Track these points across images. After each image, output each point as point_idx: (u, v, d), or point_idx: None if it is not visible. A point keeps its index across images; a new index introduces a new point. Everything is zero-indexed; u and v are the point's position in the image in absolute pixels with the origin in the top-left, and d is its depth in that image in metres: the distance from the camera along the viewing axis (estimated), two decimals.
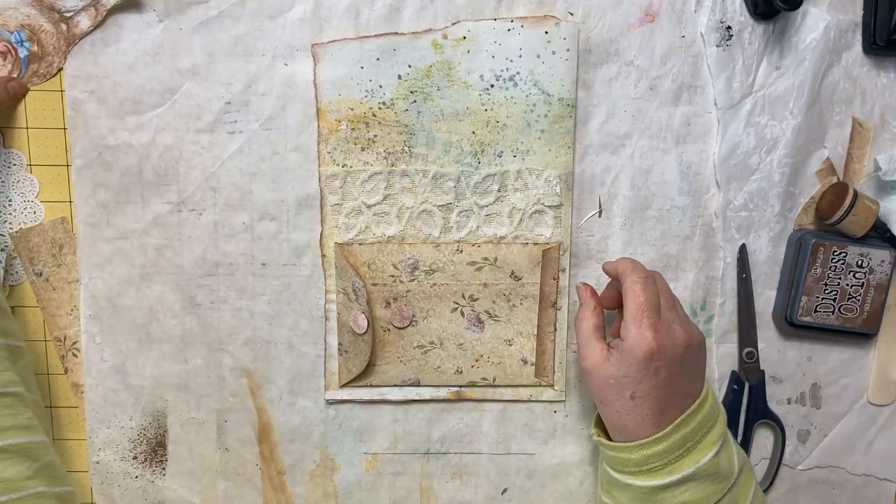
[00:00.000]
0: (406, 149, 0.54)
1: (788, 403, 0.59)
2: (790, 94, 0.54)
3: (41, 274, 0.56)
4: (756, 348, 0.58)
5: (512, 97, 0.53)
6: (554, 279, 0.56)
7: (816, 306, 0.56)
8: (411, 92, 0.53)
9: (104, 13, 0.52)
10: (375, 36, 0.53)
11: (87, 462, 0.58)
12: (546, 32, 0.52)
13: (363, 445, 0.59)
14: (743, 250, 0.57)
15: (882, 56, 0.55)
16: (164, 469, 0.58)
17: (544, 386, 0.58)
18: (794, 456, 0.60)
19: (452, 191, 0.55)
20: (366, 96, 0.53)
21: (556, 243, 0.56)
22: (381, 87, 0.53)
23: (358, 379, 0.57)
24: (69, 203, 0.55)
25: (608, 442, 0.49)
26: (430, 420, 0.58)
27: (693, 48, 0.54)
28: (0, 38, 0.52)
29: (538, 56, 0.53)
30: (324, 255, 0.56)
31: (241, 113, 0.54)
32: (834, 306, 0.56)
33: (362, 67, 0.53)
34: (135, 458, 0.58)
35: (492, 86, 0.53)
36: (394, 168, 0.54)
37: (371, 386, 0.57)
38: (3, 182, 0.55)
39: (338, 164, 0.54)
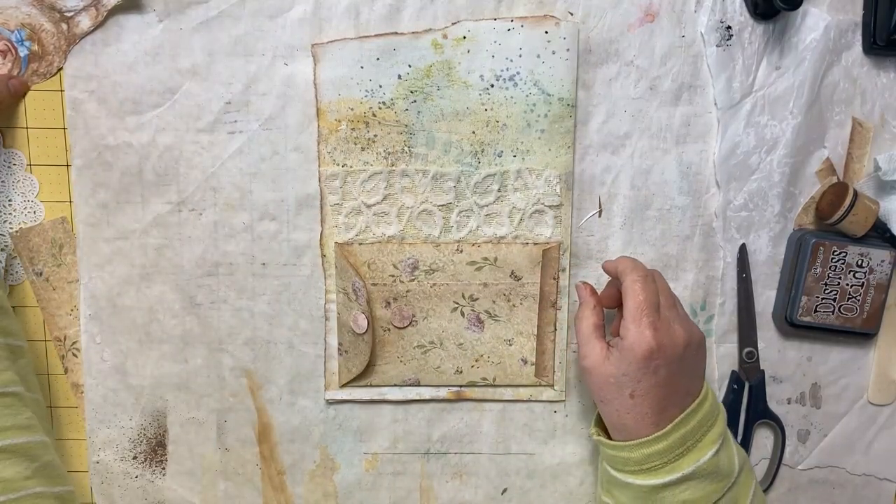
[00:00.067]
0: (406, 149, 0.54)
1: (788, 403, 0.59)
2: (790, 94, 0.54)
3: (41, 274, 0.56)
4: (756, 348, 0.58)
5: (512, 97, 0.53)
6: (554, 279, 0.56)
7: (816, 306, 0.56)
8: (411, 92, 0.53)
9: (105, 13, 0.52)
10: (375, 36, 0.53)
11: (87, 462, 0.58)
12: (546, 32, 0.52)
13: (363, 445, 0.59)
14: (743, 250, 0.57)
15: (882, 56, 0.55)
16: (164, 469, 0.58)
17: (544, 386, 0.58)
18: (794, 456, 0.60)
19: (452, 191, 0.55)
20: (366, 96, 0.53)
21: (556, 243, 0.56)
22: (381, 86, 0.53)
23: (358, 379, 0.57)
24: (69, 203, 0.55)
25: (608, 441, 0.49)
26: (430, 420, 0.58)
27: (693, 48, 0.54)
28: (0, 36, 0.52)
29: (538, 56, 0.53)
30: (324, 255, 0.56)
31: (241, 113, 0.54)
32: (834, 306, 0.56)
33: (362, 67, 0.53)
34: (135, 458, 0.58)
35: (492, 86, 0.53)
36: (394, 168, 0.54)
37: (371, 386, 0.57)
38: (3, 182, 0.55)
39: (338, 164, 0.54)
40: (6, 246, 0.55)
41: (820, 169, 0.56)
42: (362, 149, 0.54)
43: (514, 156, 0.54)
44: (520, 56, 0.53)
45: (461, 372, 0.57)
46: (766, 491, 0.60)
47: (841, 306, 0.56)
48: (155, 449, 0.58)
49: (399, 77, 0.53)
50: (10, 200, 0.55)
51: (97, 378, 0.57)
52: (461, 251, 0.55)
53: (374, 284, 0.56)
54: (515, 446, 0.59)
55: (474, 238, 0.56)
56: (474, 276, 0.56)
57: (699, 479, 0.46)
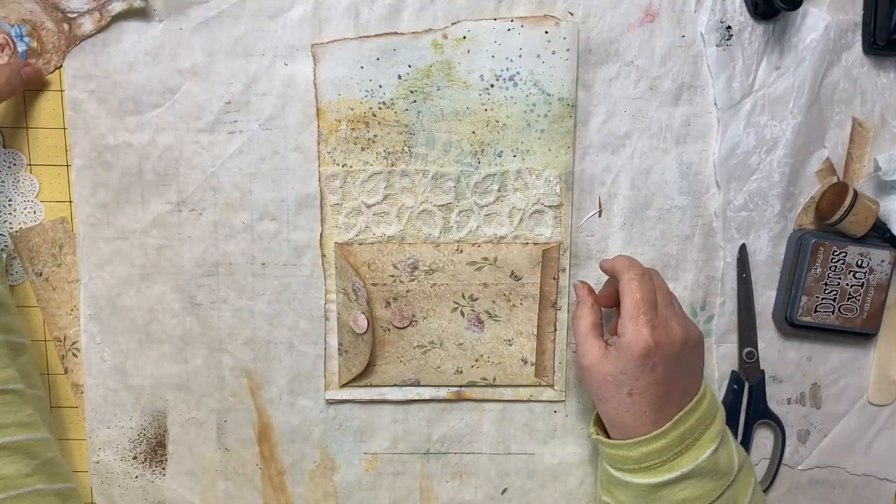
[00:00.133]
0: (406, 149, 0.54)
1: (788, 403, 0.59)
2: (790, 94, 0.54)
3: (41, 274, 0.56)
4: (756, 348, 0.58)
5: (512, 97, 0.53)
6: (554, 279, 0.56)
7: (816, 306, 0.56)
8: (411, 92, 0.53)
9: (109, 19, 0.52)
10: (375, 36, 0.53)
11: (87, 462, 0.58)
12: (546, 32, 0.52)
13: (363, 445, 0.59)
14: (743, 250, 0.57)
15: (882, 56, 0.55)
16: (164, 469, 0.58)
17: (544, 386, 0.58)
18: (794, 456, 0.60)
19: (452, 191, 0.55)
20: (366, 96, 0.53)
21: (556, 243, 0.56)
22: (381, 86, 0.53)
23: (358, 379, 0.57)
24: (69, 203, 0.55)
25: (607, 440, 0.49)
26: (430, 420, 0.58)
27: (693, 48, 0.54)
28: (0, 30, 0.52)
29: (538, 56, 0.53)
30: (324, 255, 0.56)
31: (241, 113, 0.54)
32: (834, 306, 0.56)
33: (362, 67, 0.53)
34: (135, 458, 0.58)
35: (492, 86, 0.53)
36: (394, 168, 0.54)
37: (371, 386, 0.57)
38: (3, 182, 0.55)
39: (338, 164, 0.54)
40: (6, 246, 0.55)
41: (820, 169, 0.56)
42: (362, 149, 0.54)
43: (514, 156, 0.54)
44: (520, 56, 0.53)
45: (461, 372, 0.57)
46: (766, 491, 0.60)
47: (841, 306, 0.56)
48: (155, 449, 0.58)
49: (399, 77, 0.53)
50: (10, 200, 0.55)
51: (97, 378, 0.57)
52: (461, 251, 0.55)
53: (374, 284, 0.56)
54: (515, 446, 0.59)
55: (474, 238, 0.56)
56: (474, 276, 0.56)
57: (698, 477, 0.46)
